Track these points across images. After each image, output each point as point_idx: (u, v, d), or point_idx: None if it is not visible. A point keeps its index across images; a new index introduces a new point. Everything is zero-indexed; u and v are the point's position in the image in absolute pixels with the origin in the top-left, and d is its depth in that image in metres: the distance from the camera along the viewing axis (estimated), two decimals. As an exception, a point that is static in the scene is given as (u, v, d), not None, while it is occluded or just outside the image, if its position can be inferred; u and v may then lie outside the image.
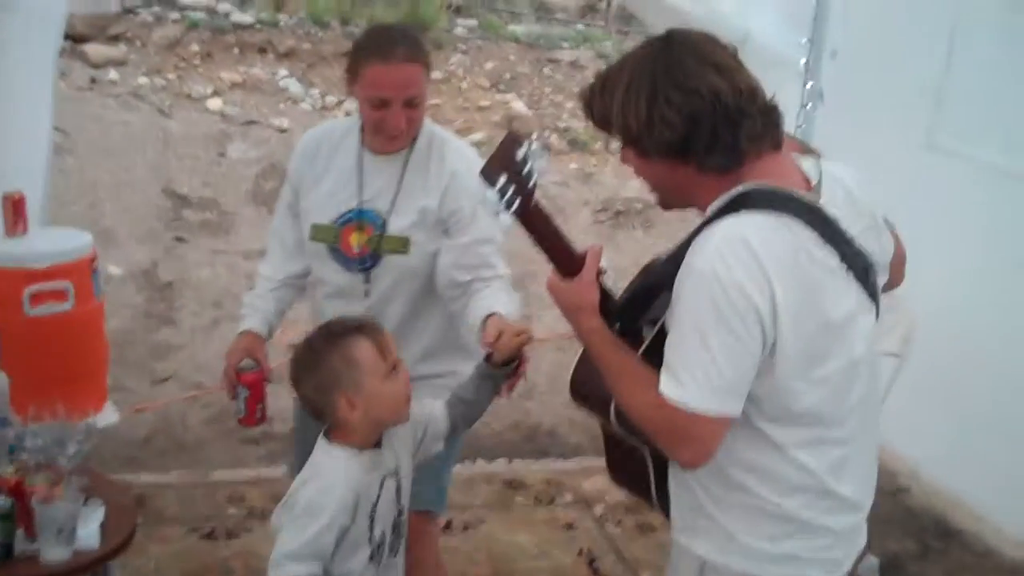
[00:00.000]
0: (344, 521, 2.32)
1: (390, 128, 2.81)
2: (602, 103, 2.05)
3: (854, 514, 2.14)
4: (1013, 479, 4.07)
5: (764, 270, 1.88)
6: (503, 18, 12.43)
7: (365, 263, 2.92)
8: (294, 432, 3.31)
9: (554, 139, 9.41)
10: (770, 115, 2.01)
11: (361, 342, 2.34)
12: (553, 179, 8.57)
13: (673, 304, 1.96)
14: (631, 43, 11.33)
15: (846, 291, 2.00)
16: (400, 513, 2.51)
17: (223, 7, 10.04)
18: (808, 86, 4.78)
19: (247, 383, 2.91)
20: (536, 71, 10.44)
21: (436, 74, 9.86)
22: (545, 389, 5.87)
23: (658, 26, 5.16)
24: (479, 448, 5.14)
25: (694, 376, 1.88)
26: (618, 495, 4.75)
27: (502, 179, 2.01)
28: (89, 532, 2.75)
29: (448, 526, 4.29)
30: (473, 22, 11.38)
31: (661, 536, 4.44)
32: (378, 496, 2.41)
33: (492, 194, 2.01)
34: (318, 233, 2.96)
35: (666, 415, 1.91)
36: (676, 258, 1.98)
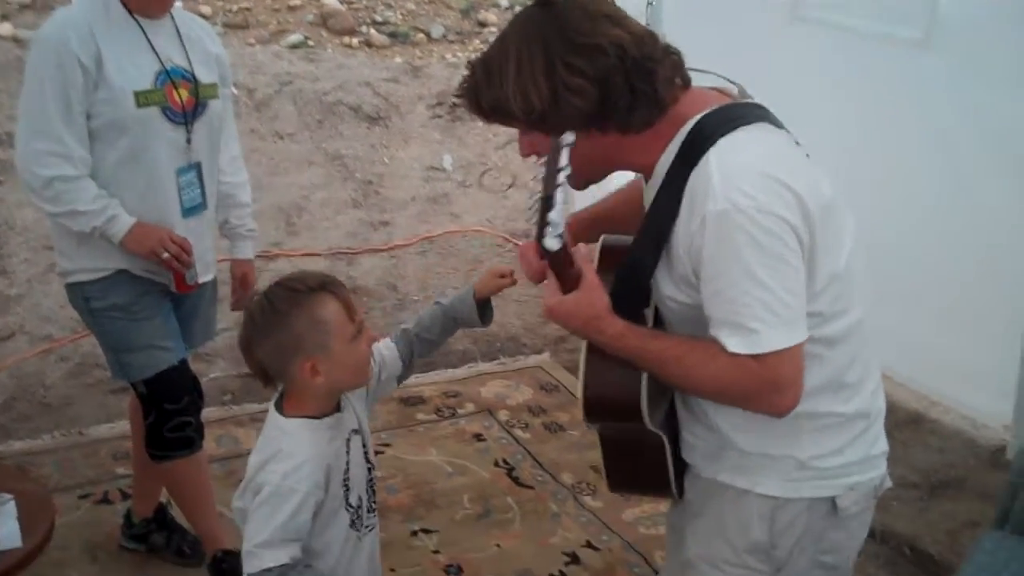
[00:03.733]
0: (319, 496, 2.14)
1: None
2: (492, 92, 1.87)
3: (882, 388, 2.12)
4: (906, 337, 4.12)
5: (780, 181, 1.79)
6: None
7: (189, 115, 3.12)
8: None
9: (373, 33, 9.04)
10: (674, 54, 1.91)
11: (328, 301, 2.16)
12: (381, 76, 8.25)
13: (697, 259, 1.82)
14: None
15: (820, 175, 1.93)
16: (371, 470, 2.33)
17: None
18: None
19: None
20: (343, -37, 10.01)
21: (241, -25, 9.34)
22: (418, 297, 5.70)
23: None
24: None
25: (762, 319, 1.77)
26: (519, 398, 4.68)
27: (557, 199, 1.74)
28: (8, 531, 2.51)
29: (354, 454, 4.12)
30: (265, -86, 10.81)
31: (570, 434, 4.38)
32: (347, 461, 2.23)
33: (556, 216, 1.74)
34: (147, 98, 3.03)
35: (749, 371, 1.80)
36: (654, 231, 1.87)
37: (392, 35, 9.13)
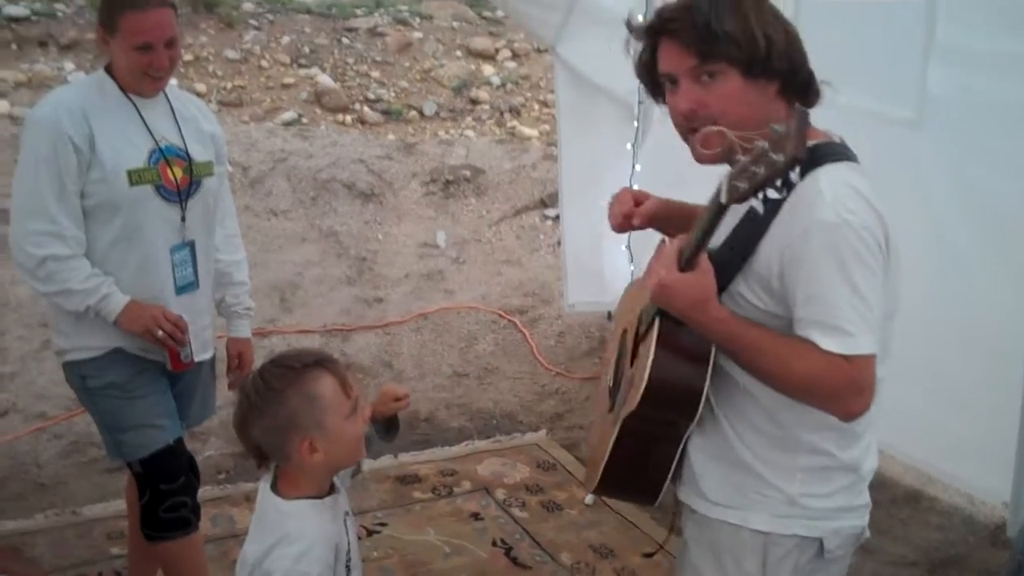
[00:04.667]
0: None
1: (155, 70, 3.05)
2: (730, 21, 1.98)
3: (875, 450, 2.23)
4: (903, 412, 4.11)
5: (876, 211, 1.95)
6: (286, -12, 12.03)
7: (184, 193, 3.15)
8: None
9: (366, 111, 9.12)
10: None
11: (323, 377, 2.14)
12: (375, 153, 8.31)
13: (794, 264, 1.94)
14: (427, 6, 11.16)
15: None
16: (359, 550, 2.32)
17: (-9, 1, 9.33)
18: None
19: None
20: (335, 42, 10.11)
21: (232, 54, 9.44)
22: (413, 374, 5.69)
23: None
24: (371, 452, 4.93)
25: (856, 325, 1.90)
26: (516, 476, 4.65)
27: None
28: (5, 616, 2.45)
29: (350, 534, 4.09)
30: (258, -4, 10.95)
31: (568, 513, 4.35)
32: (349, 542, 2.21)
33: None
34: (140, 176, 3.06)
35: (842, 371, 1.91)
36: (746, 234, 2.00)
37: (385, 112, 9.22)
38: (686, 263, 1.96)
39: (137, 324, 3.05)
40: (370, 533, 4.12)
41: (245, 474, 4.48)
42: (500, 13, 10.36)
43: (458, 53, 10.40)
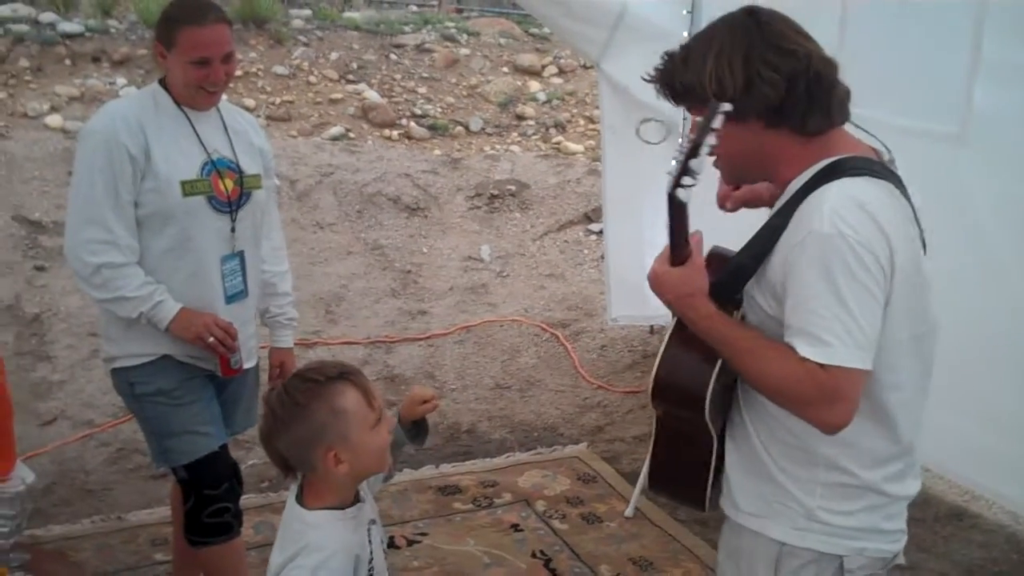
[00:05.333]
0: None
1: (211, 84, 3.12)
2: (687, 72, 2.05)
3: (917, 479, 2.22)
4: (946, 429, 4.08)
5: (883, 230, 1.94)
6: (336, 5, 12.13)
7: (234, 204, 3.21)
8: None
9: (413, 126, 9.18)
10: (845, 89, 2.09)
11: (348, 390, 2.16)
12: (420, 167, 8.37)
13: (790, 272, 1.97)
14: (474, 23, 11.24)
15: (920, 249, 2.09)
16: (385, 557, 2.33)
17: (46, 17, 9.44)
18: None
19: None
20: (383, 58, 10.19)
21: (281, 69, 9.52)
22: (455, 386, 5.72)
23: (528, 3, 5.10)
24: (402, 456, 4.95)
25: (837, 335, 1.91)
26: (557, 488, 4.66)
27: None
28: (51, 615, 2.49)
29: (391, 543, 4.12)
30: (307, 12, 11.05)
31: (608, 526, 4.36)
32: (371, 551, 2.24)
33: (697, 165, 1.92)
34: (193, 187, 3.13)
35: (815, 378, 1.92)
36: (763, 241, 2.03)
37: (431, 128, 9.28)
38: (674, 258, 2.03)
39: (189, 331, 3.11)
40: (411, 543, 4.15)
41: (288, 483, 4.52)
42: (547, 30, 10.40)
43: (504, 69, 10.46)
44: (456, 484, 4.64)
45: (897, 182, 2.08)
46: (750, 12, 2.06)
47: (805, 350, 1.92)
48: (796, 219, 1.99)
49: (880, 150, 2.15)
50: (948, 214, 4.03)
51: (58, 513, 4.39)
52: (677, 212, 1.97)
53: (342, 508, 2.20)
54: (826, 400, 1.94)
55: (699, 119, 1.96)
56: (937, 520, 4.41)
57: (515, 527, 4.33)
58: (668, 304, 2.09)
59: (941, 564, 4.16)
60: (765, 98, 2.00)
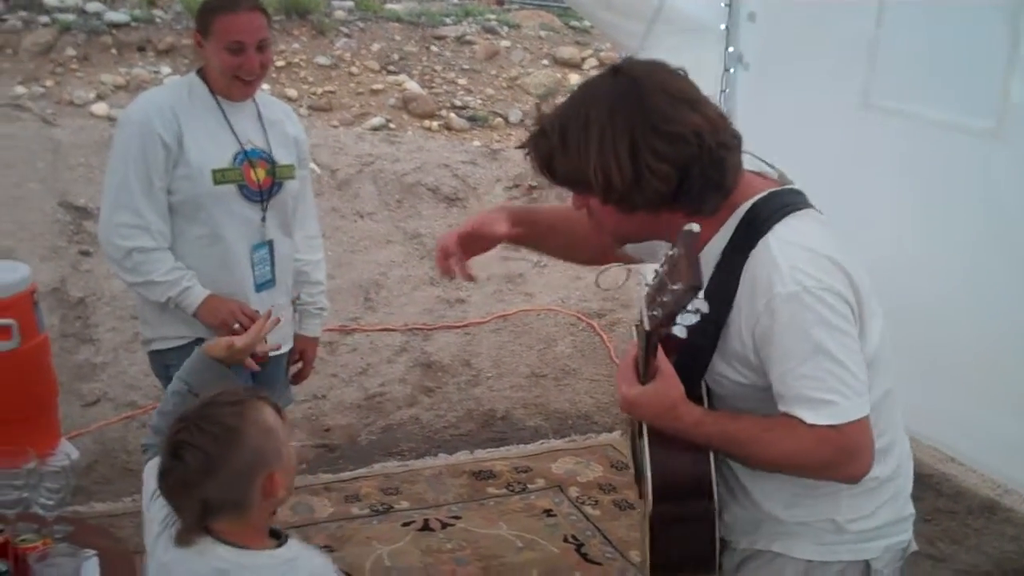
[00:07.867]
0: None
1: (247, 72, 3.18)
2: (570, 161, 1.91)
3: (906, 441, 2.19)
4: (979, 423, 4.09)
5: (839, 265, 1.90)
6: (378, -4, 12.21)
7: (265, 194, 3.27)
8: None
9: (453, 117, 9.24)
10: (739, 139, 1.97)
11: (263, 405, 2.00)
12: (460, 158, 8.42)
13: (765, 342, 1.90)
14: (515, 15, 11.27)
15: (859, 261, 2.02)
16: None
17: (93, 7, 9.58)
18: (729, 50, 4.74)
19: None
20: (424, 49, 10.25)
21: (323, 60, 9.60)
22: (491, 373, 5.77)
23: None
24: (437, 441, 5.03)
25: (837, 391, 1.86)
26: (590, 475, 4.70)
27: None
28: (91, 586, 2.56)
29: (426, 526, 4.19)
30: (350, 3, 11.13)
31: (640, 512, 4.39)
32: None
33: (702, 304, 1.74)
34: (224, 175, 3.19)
35: (831, 442, 1.87)
36: (713, 314, 1.82)
37: (471, 119, 9.33)
38: (644, 375, 1.91)
39: (215, 317, 3.17)
40: (444, 526, 4.21)
41: (324, 465, 4.62)
42: (587, 23, 10.41)
43: (544, 62, 10.49)
44: (490, 469, 4.70)
45: (805, 201, 2.02)
46: (625, 78, 1.91)
47: (811, 417, 1.85)
48: (748, 285, 1.90)
49: (770, 172, 2.08)
50: (981, 210, 4.05)
51: (100, 491, 4.49)
52: (656, 343, 1.86)
53: (277, 544, 2.04)
54: (847, 457, 1.90)
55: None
56: (970, 513, 4.42)
57: (548, 512, 4.38)
58: (652, 422, 1.98)
59: (973, 557, 4.17)
60: (656, 192, 1.88)
